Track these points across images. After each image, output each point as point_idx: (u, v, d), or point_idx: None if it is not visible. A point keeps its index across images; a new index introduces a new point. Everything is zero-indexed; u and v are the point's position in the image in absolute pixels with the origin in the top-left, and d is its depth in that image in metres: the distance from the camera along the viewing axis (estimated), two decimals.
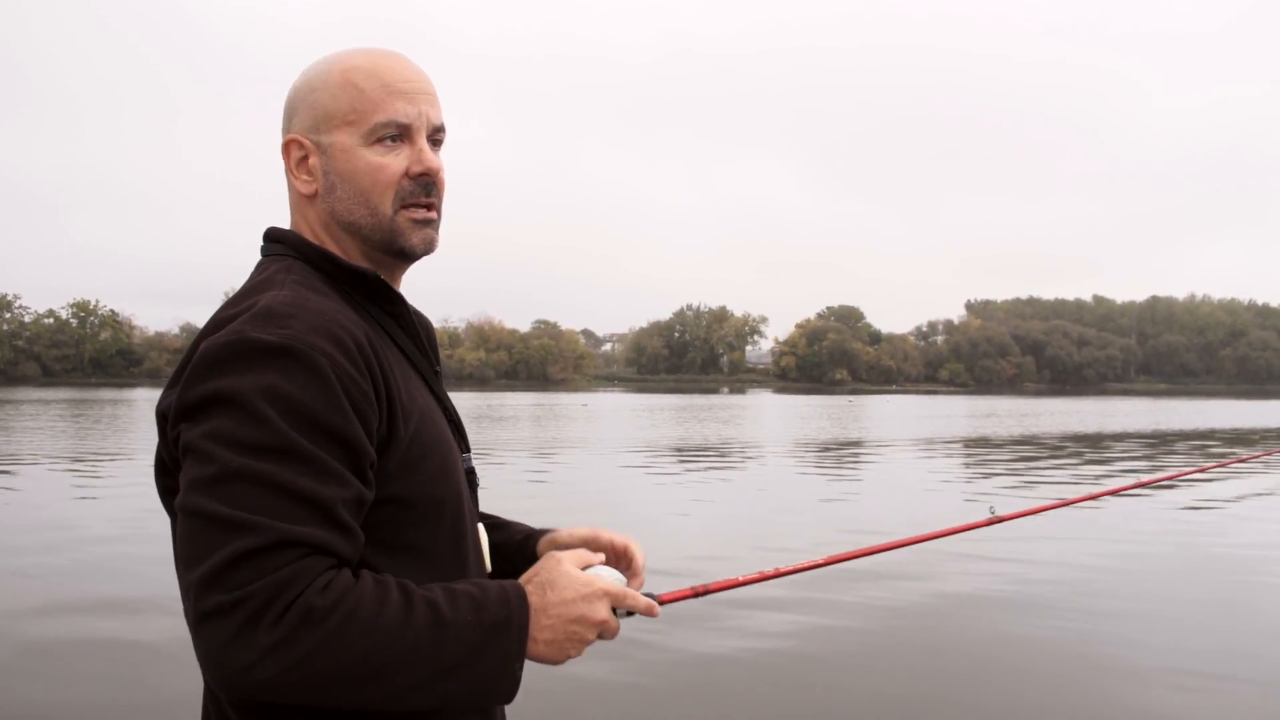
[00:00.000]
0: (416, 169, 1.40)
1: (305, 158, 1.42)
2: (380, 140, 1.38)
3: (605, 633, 1.36)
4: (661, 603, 1.46)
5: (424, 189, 1.41)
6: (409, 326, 1.46)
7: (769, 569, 1.69)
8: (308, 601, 1.12)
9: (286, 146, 1.43)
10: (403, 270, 1.49)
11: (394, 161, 1.39)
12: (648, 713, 5.32)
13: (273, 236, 1.46)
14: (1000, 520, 2.12)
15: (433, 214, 1.43)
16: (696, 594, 1.57)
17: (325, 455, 1.18)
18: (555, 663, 1.33)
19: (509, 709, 1.62)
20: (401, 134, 1.40)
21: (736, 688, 5.71)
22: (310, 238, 1.43)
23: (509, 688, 1.26)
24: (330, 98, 1.39)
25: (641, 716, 5.28)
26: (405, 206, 1.40)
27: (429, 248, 1.44)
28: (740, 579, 1.64)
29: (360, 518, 1.24)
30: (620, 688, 5.59)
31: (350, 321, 1.29)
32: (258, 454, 1.15)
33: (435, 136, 1.44)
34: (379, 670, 1.15)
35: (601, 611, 1.33)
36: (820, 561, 1.75)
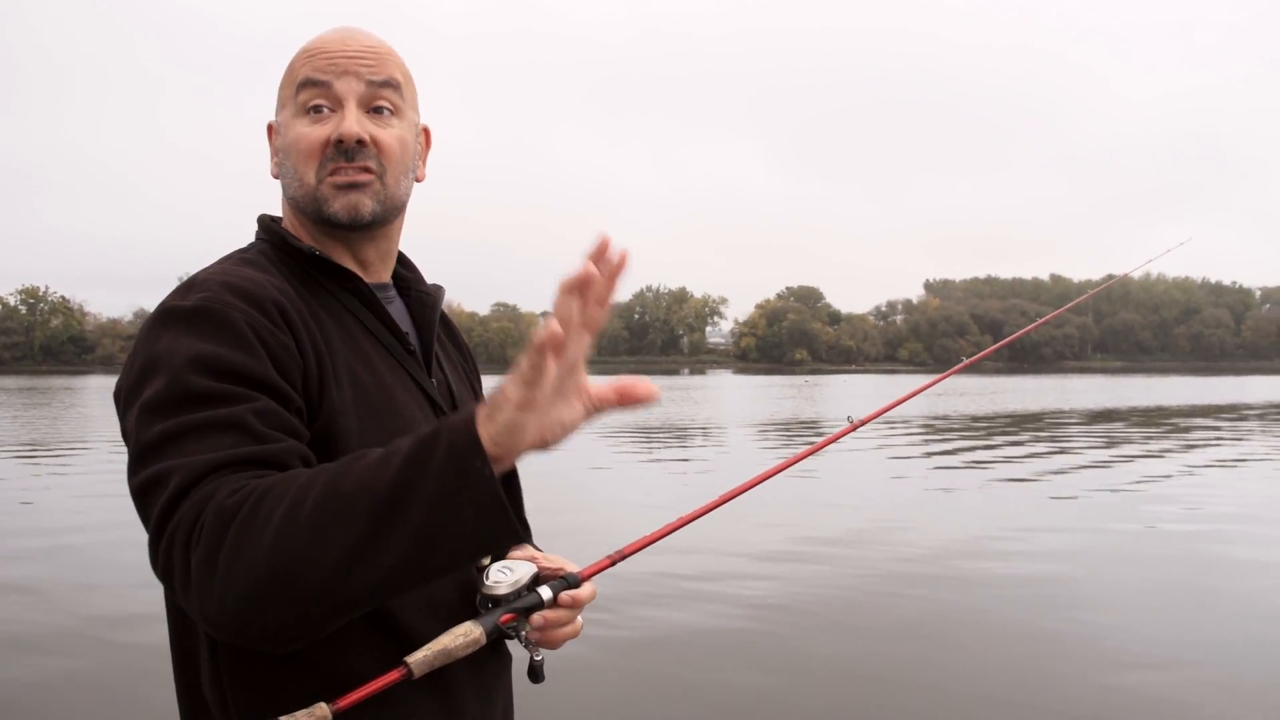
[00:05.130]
0: (334, 135, 1.36)
1: (273, 140, 1.45)
2: (308, 111, 1.38)
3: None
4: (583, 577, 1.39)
5: (343, 155, 1.36)
6: (373, 303, 1.42)
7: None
8: (218, 503, 1.06)
9: (268, 133, 1.46)
10: (364, 242, 1.44)
11: (317, 130, 1.37)
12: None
13: (259, 222, 1.48)
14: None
15: (358, 177, 1.37)
16: (614, 561, 1.48)
17: (238, 390, 1.17)
18: (545, 441, 1.02)
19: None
20: (330, 103, 1.38)
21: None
22: (285, 220, 1.45)
23: (488, 489, 1.00)
24: (282, 80, 1.43)
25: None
26: (330, 174, 1.37)
27: (352, 213, 1.38)
28: (651, 535, 1.55)
29: (283, 429, 1.18)
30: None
31: (272, 289, 1.29)
32: (175, 412, 1.15)
33: (376, 101, 1.39)
34: (315, 535, 1.02)
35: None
36: (721, 500, 1.70)
